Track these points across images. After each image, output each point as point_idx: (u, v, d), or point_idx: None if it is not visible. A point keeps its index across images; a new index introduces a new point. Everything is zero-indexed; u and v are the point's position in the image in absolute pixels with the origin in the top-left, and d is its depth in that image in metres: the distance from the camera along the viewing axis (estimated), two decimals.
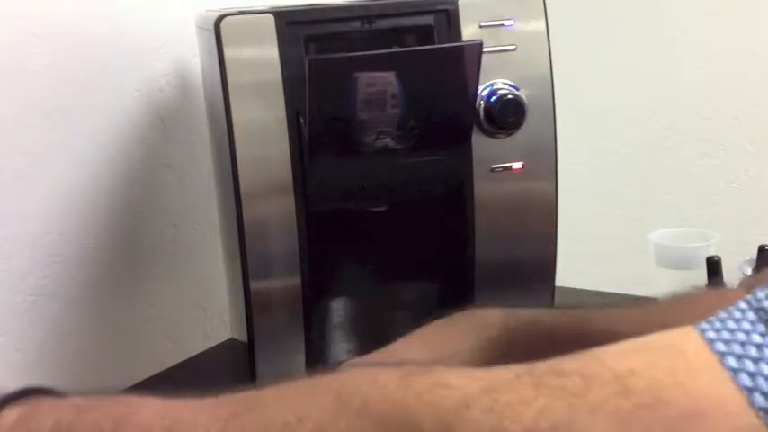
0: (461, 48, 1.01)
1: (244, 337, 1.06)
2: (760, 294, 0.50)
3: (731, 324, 0.49)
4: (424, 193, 1.05)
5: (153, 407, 0.56)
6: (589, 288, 1.33)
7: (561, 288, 1.14)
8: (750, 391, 0.47)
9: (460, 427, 0.47)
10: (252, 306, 1.02)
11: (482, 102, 1.02)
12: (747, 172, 1.69)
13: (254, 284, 1.02)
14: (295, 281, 1.02)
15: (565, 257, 1.09)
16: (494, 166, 1.05)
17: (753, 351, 0.48)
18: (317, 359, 1.10)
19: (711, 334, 0.49)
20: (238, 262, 1.01)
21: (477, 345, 0.77)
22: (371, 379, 0.52)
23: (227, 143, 0.98)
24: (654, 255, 1.23)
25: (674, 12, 1.70)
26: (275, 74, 0.97)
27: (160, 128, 1.26)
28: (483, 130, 1.04)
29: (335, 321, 1.18)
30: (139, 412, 0.56)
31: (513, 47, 1.04)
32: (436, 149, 1.01)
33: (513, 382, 0.49)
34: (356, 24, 1.01)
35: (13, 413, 0.58)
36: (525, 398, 0.48)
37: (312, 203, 1.01)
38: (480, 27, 1.03)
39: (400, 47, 1.04)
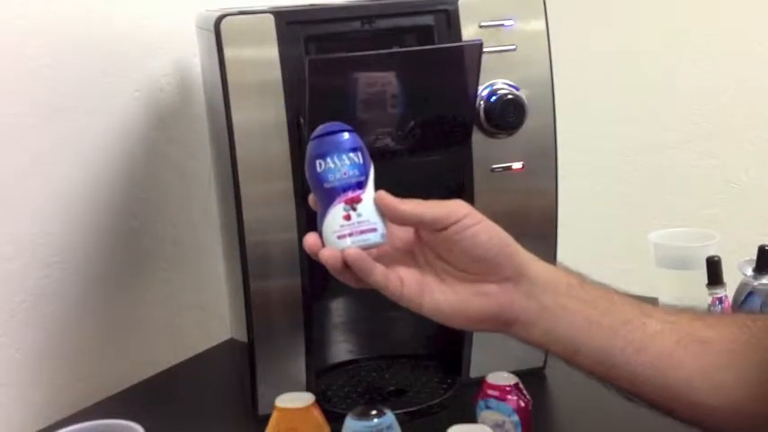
0: (461, 48, 1.01)
1: (244, 337, 1.06)
2: None
3: None
4: (424, 193, 1.05)
5: None
6: None
7: None
8: None
9: None
10: (252, 306, 1.02)
11: (482, 102, 1.02)
12: (747, 172, 1.69)
13: (254, 284, 1.02)
14: (295, 281, 1.02)
15: (565, 257, 1.09)
16: (494, 166, 1.05)
17: None
18: (317, 359, 1.10)
19: None
20: (238, 262, 1.01)
21: None
22: None
23: (227, 143, 0.98)
24: (654, 255, 1.23)
25: (674, 12, 1.70)
26: (275, 74, 0.97)
27: (160, 128, 1.26)
28: (483, 130, 1.04)
29: (335, 321, 1.18)
30: None
31: (513, 47, 1.04)
32: (436, 149, 1.01)
33: None
34: (356, 24, 1.01)
35: None
36: None
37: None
38: (480, 27, 1.03)
39: (400, 47, 1.04)
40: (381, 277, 0.74)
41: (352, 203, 0.74)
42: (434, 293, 0.76)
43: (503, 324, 0.77)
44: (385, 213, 0.75)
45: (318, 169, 0.75)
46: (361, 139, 0.76)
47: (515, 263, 0.76)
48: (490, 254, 0.75)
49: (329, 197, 0.74)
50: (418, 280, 0.76)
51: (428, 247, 0.77)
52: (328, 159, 0.74)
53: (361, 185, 0.75)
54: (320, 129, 0.76)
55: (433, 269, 0.77)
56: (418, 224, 0.76)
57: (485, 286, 0.76)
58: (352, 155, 0.75)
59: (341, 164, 0.74)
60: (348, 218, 0.74)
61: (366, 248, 0.74)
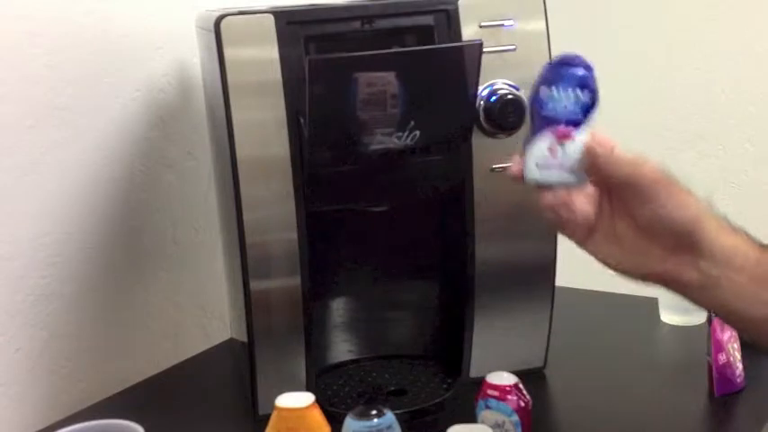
0: (461, 48, 1.01)
1: (244, 337, 1.06)
2: None
3: None
4: (424, 193, 1.05)
5: None
6: (589, 288, 1.33)
7: (561, 288, 1.14)
8: None
9: None
10: (252, 306, 1.02)
11: (482, 102, 1.02)
12: (747, 172, 1.69)
13: (254, 284, 1.02)
14: (295, 281, 1.02)
15: (565, 257, 1.09)
16: (494, 166, 1.05)
17: None
18: (317, 359, 1.10)
19: None
20: (238, 262, 1.01)
21: None
22: None
23: (227, 143, 0.98)
24: None
25: (674, 12, 1.70)
26: (275, 74, 0.97)
27: (160, 128, 1.26)
28: (483, 130, 1.04)
29: (335, 321, 1.18)
30: None
31: (513, 47, 1.04)
32: (436, 150, 1.01)
33: None
34: (356, 24, 1.01)
35: None
36: None
37: (312, 203, 1.01)
38: (480, 27, 1.03)
39: (400, 47, 1.04)
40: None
41: (562, 139, 0.73)
42: (598, 244, 0.76)
43: (660, 282, 0.78)
44: (592, 161, 0.73)
45: (540, 95, 0.74)
46: (595, 83, 0.75)
47: (699, 238, 0.74)
48: (676, 229, 0.74)
49: (542, 125, 0.74)
50: (589, 227, 0.76)
51: (616, 193, 0.76)
52: (554, 88, 0.74)
53: (576, 124, 0.73)
54: (560, 56, 0.76)
55: (610, 215, 0.76)
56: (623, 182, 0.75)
57: (655, 249, 0.75)
58: (579, 92, 0.74)
59: (564, 96, 0.74)
60: (552, 151, 0.73)
61: (560, 187, 0.73)
